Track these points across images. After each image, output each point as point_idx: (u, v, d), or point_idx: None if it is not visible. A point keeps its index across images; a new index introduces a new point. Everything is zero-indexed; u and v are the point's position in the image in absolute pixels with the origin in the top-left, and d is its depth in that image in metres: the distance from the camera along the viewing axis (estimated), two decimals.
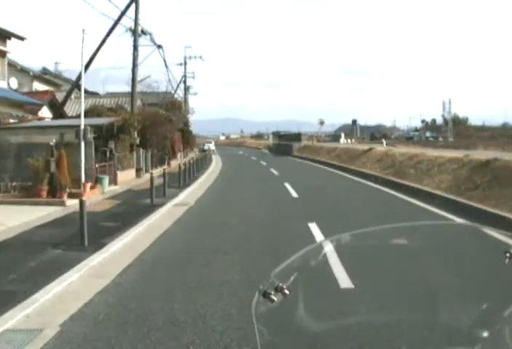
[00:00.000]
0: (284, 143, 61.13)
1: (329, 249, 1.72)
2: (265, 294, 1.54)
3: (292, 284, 1.57)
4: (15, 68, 27.55)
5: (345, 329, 1.77)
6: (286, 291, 1.55)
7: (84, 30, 16.55)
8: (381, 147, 35.15)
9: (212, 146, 70.93)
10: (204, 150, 58.57)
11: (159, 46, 30.98)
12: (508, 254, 1.56)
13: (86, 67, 20.47)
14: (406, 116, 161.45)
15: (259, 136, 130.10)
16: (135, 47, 26.36)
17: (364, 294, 1.87)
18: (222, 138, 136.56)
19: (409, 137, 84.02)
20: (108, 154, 20.48)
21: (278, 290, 1.55)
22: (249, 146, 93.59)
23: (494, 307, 1.64)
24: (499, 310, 1.61)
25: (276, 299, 1.54)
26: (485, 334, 1.61)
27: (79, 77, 21.03)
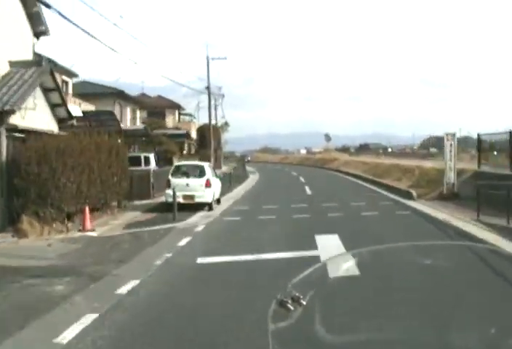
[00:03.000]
0: None
1: (350, 263, 1.73)
2: (282, 304, 1.55)
3: (309, 295, 1.58)
4: None
5: (359, 345, 1.79)
6: (303, 302, 1.56)
7: None
8: None
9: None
10: None
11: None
12: None
13: None
14: (496, 128, 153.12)
15: (344, 149, 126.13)
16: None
17: (380, 311, 2.00)
18: (303, 152, 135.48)
19: None
20: None
21: (294, 300, 1.56)
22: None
23: (503, 332, 1.63)
24: (508, 334, 1.61)
25: (292, 308, 1.55)
26: None
27: None
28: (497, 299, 1.76)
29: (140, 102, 46.78)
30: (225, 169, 56.43)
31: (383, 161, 43.88)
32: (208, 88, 48.48)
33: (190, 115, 61.06)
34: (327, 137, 60.10)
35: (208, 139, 64.74)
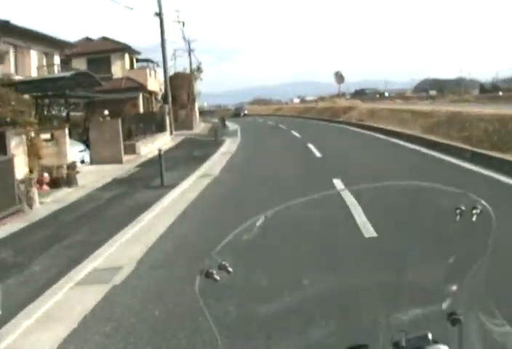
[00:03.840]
0: None
1: (262, 221, 1.55)
2: (208, 274, 1.44)
3: (235, 261, 1.48)
4: None
5: (299, 304, 1.63)
6: (230, 269, 1.46)
7: None
8: None
9: None
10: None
11: None
12: (458, 211, 1.54)
13: None
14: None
15: (339, 96, 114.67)
16: None
17: (319, 260, 1.67)
18: (297, 101, 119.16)
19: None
20: None
21: (221, 268, 1.46)
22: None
23: (457, 263, 1.60)
24: (463, 265, 1.59)
25: (219, 278, 1.45)
26: (453, 289, 1.59)
27: None
28: (435, 235, 1.64)
29: (61, 44, 31.20)
30: (198, 130, 42.42)
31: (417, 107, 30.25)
32: (160, 14, 32.99)
33: (149, 61, 45.47)
34: (339, 77, 41.04)
35: (177, 92, 50.16)
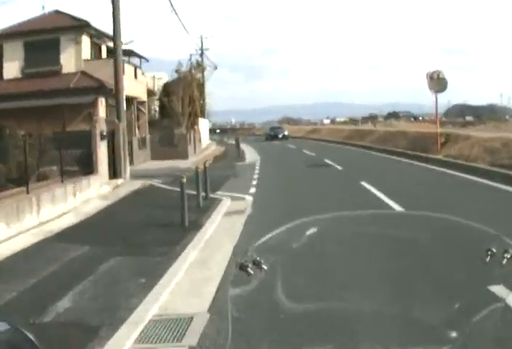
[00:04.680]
0: None
1: (313, 229, 1.69)
2: (242, 267, 1.54)
3: (270, 260, 1.56)
4: None
5: (321, 314, 1.78)
6: (264, 267, 1.54)
7: None
8: None
9: None
10: None
11: None
12: (489, 252, 1.50)
13: None
14: None
15: (372, 118, 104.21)
16: None
17: (345, 280, 1.88)
18: (327, 122, 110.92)
19: None
20: None
21: (255, 264, 1.54)
22: None
23: (466, 308, 1.61)
24: (470, 311, 1.59)
25: (252, 273, 1.54)
26: (454, 335, 1.60)
27: None
28: (462, 274, 1.70)
29: None
30: (194, 159, 27.12)
31: None
32: None
33: (131, 53, 30.14)
34: (436, 82, 23.79)
35: (174, 103, 34.95)
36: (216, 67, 50.12)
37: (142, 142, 28.02)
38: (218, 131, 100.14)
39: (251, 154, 30.94)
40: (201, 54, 48.47)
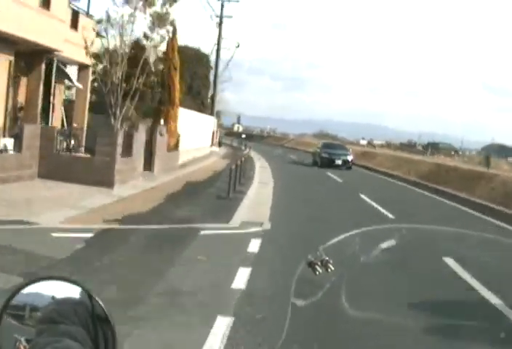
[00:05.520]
0: None
1: (389, 242, 1.75)
2: (311, 265, 1.58)
3: (338, 262, 1.58)
4: None
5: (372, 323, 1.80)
6: (331, 267, 1.58)
7: None
8: None
9: None
10: None
11: None
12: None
13: None
14: None
15: (411, 146, 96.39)
16: None
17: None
18: (363, 142, 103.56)
19: None
20: None
21: (323, 264, 1.58)
22: None
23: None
24: None
25: (320, 271, 1.57)
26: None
27: None
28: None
29: None
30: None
31: None
32: None
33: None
34: None
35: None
36: (238, 45, 35.20)
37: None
38: (244, 136, 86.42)
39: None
40: (220, 24, 33.57)
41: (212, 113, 35.21)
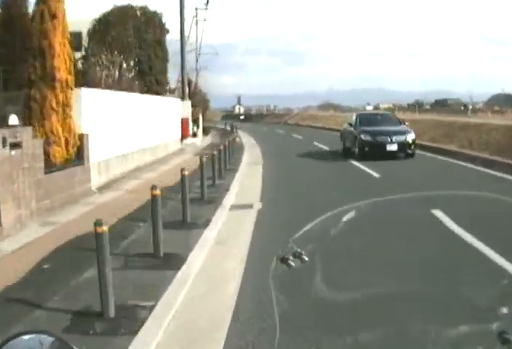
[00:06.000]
0: None
1: (349, 216, 1.64)
2: (283, 260, 1.54)
3: (310, 251, 1.54)
4: None
5: (361, 302, 1.74)
6: (305, 258, 1.54)
7: None
8: None
9: None
10: None
11: None
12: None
13: None
14: None
15: (419, 105, 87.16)
16: None
17: (380, 266, 1.79)
18: (369, 108, 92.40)
19: None
20: None
21: (296, 256, 1.54)
22: None
23: None
24: None
25: (294, 265, 1.53)
26: (506, 309, 1.57)
27: None
28: None
29: None
30: None
31: None
32: None
33: None
34: None
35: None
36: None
37: None
38: (242, 117, 78.80)
39: None
40: None
41: (183, 97, 26.35)
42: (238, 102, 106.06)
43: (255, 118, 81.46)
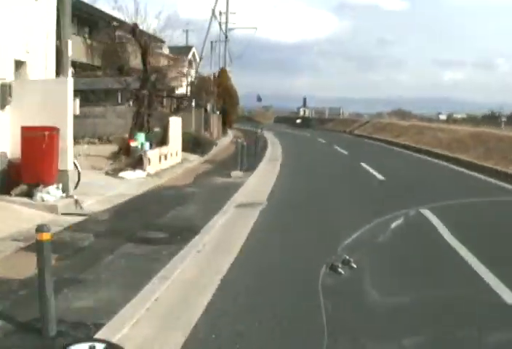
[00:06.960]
0: None
1: (396, 224, 1.63)
2: (333, 268, 1.57)
3: (359, 258, 1.56)
4: None
5: (409, 307, 1.83)
6: (354, 265, 1.58)
7: None
8: None
9: None
10: None
11: None
12: None
13: None
14: None
15: (495, 118, 79.01)
16: None
17: (426, 271, 2.02)
18: (443, 117, 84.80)
19: None
20: None
21: (345, 263, 1.58)
22: None
23: None
24: None
25: (343, 272, 1.56)
26: None
27: None
28: None
29: None
30: None
31: None
32: None
33: None
34: None
35: None
36: None
37: None
38: (299, 121, 72.38)
39: None
40: None
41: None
42: (304, 104, 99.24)
43: (312, 124, 68.15)
